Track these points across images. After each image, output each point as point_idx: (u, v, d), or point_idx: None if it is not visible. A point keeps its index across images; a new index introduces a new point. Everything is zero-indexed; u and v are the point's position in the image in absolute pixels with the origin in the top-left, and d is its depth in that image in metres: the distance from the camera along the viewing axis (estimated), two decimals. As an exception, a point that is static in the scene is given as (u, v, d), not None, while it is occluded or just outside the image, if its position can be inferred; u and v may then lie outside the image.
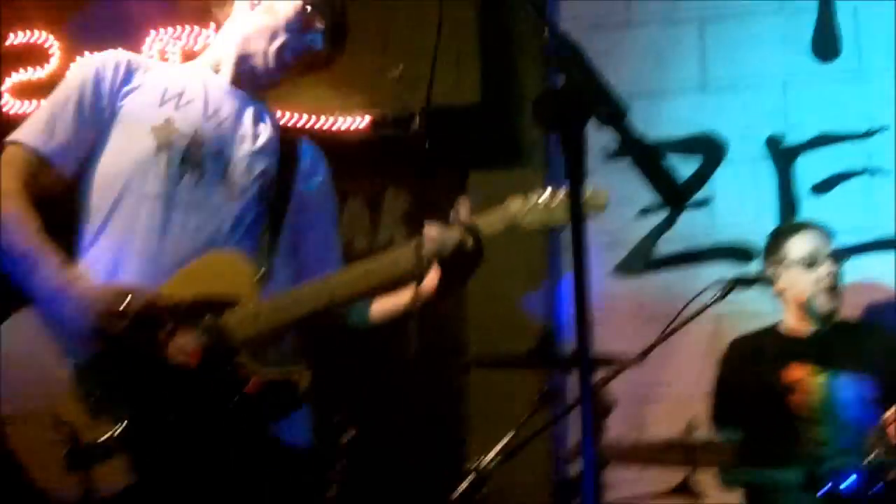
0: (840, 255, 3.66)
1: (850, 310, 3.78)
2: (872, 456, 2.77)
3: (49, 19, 4.81)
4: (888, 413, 2.85)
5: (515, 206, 2.24)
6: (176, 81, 2.35)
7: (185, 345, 2.06)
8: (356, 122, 4.51)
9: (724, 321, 4.08)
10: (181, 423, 2.06)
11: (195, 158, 2.25)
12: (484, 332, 4.31)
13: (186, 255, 2.19)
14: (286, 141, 2.44)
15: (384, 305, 2.37)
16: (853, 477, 2.72)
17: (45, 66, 4.76)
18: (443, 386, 4.24)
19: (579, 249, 1.35)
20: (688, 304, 3.24)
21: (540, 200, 2.23)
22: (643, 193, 4.34)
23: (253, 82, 2.40)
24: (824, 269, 3.57)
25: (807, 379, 3.52)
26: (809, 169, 4.42)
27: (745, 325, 3.81)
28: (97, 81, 2.29)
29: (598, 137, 1.36)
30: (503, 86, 4.65)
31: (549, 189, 2.25)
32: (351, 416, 2.63)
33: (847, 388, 3.48)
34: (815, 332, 3.62)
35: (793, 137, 4.44)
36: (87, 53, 4.85)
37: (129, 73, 2.32)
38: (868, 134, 4.37)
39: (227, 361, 2.09)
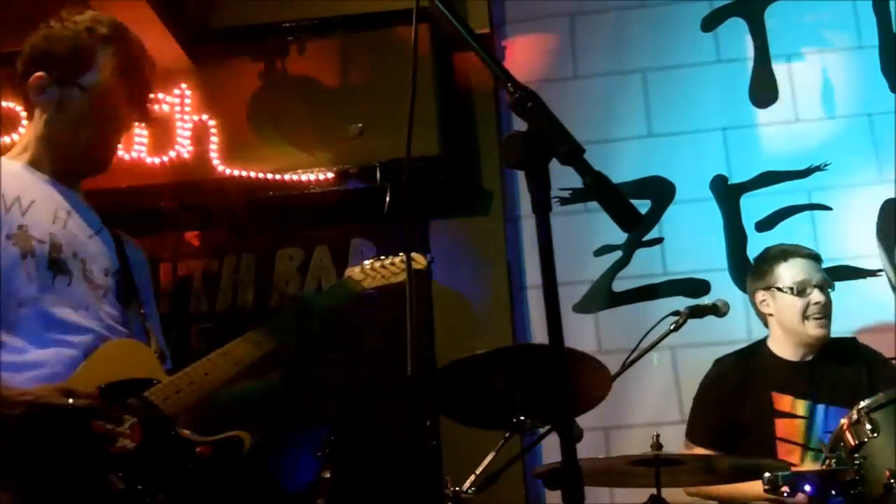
0: (829, 283, 3.63)
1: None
2: (831, 460, 2.84)
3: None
4: (844, 419, 2.87)
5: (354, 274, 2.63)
6: (7, 186, 2.20)
7: (121, 428, 2.03)
8: (321, 176, 4.68)
9: (679, 351, 4.31)
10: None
11: (59, 263, 2.18)
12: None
13: (81, 353, 2.14)
14: (111, 229, 2.41)
15: None
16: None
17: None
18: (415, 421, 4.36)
19: (550, 278, 1.52)
20: (645, 335, 3.41)
21: (366, 263, 2.67)
22: (598, 236, 4.60)
23: (74, 176, 2.33)
24: (814, 296, 3.56)
25: (792, 406, 3.54)
26: (754, 207, 4.66)
27: (701, 354, 3.93)
28: None
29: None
30: (460, 140, 4.88)
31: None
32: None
33: (831, 418, 3.44)
34: (804, 357, 3.61)
35: (736, 177, 4.69)
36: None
37: None
38: (808, 171, 4.64)
39: (166, 433, 2.12)
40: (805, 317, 3.57)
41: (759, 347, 3.75)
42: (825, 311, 3.58)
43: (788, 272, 3.62)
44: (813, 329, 3.57)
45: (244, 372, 2.34)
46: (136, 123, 2.43)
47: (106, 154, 2.32)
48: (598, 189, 1.45)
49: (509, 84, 1.59)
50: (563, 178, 1.51)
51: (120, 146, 2.45)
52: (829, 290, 3.62)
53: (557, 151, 1.51)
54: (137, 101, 2.31)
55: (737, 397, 3.63)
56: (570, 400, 1.50)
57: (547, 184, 1.50)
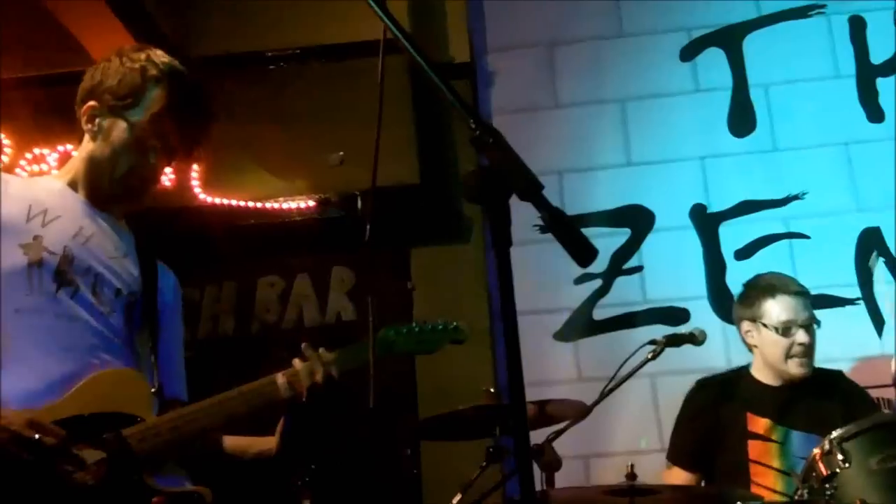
0: (815, 321, 3.59)
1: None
2: (803, 490, 2.84)
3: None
4: (816, 449, 2.88)
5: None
6: (39, 198, 2.33)
7: (87, 462, 2.07)
8: (302, 204, 4.69)
9: (658, 378, 4.31)
10: None
11: (65, 274, 2.25)
12: (431, 399, 4.46)
13: (74, 369, 2.20)
14: (144, 256, 2.46)
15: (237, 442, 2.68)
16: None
17: (-2, 162, 4.88)
18: (396, 450, 4.37)
19: (510, 315, 1.52)
20: (623, 363, 3.40)
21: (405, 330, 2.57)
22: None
23: (109, 202, 2.40)
24: (798, 337, 3.53)
25: (768, 430, 3.55)
26: (733, 235, 4.68)
27: (680, 382, 3.89)
28: None
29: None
30: (440, 168, 4.89)
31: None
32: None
33: (806, 446, 3.36)
34: (785, 385, 3.60)
35: (714, 206, 4.72)
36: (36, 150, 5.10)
37: None
38: (786, 200, 4.67)
39: (130, 476, 2.12)
40: (788, 356, 3.56)
41: (743, 373, 3.76)
42: (808, 352, 3.56)
43: (775, 310, 3.59)
44: (794, 368, 3.56)
45: (233, 424, 2.36)
46: (181, 160, 2.46)
47: (140, 185, 2.39)
48: (555, 225, 1.46)
49: (470, 120, 1.60)
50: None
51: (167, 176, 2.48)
52: (816, 327, 3.60)
53: (516, 187, 1.52)
54: (181, 142, 2.39)
55: (715, 417, 3.64)
56: (528, 444, 1.50)
57: (507, 219, 1.51)
